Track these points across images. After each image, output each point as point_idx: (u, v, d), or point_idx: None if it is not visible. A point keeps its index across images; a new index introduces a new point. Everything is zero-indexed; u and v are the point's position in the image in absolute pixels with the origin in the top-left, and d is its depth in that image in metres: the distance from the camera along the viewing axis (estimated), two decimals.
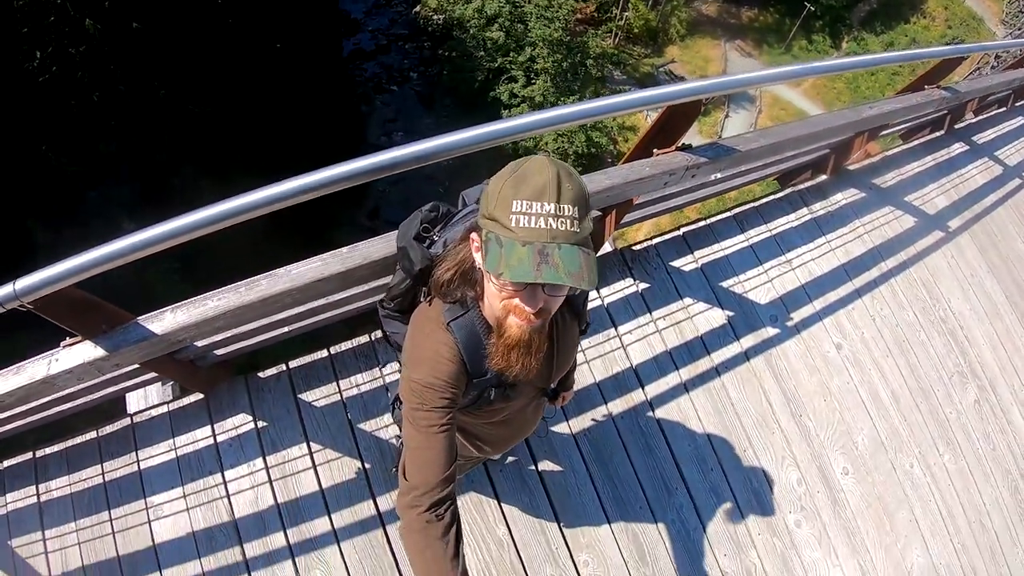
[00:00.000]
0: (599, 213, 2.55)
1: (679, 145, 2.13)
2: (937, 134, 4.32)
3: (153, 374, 2.29)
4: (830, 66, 2.29)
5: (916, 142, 4.22)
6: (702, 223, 3.29)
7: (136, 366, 2.00)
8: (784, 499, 2.65)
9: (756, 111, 26.40)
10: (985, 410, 3.21)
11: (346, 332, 2.75)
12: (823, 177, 3.65)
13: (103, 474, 2.39)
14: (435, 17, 27.58)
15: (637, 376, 2.79)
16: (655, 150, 2.10)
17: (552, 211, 0.96)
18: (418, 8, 28.12)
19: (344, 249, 1.71)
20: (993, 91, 4.33)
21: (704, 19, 30.39)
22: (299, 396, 2.53)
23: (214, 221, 1.39)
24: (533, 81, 25.22)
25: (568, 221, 0.97)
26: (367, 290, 2.07)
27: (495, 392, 1.30)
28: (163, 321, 1.77)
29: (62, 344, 1.78)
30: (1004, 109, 5.01)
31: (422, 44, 27.87)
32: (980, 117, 4.73)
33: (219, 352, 2.39)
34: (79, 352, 1.75)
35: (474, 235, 1.12)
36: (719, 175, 2.82)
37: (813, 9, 28.53)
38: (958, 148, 4.30)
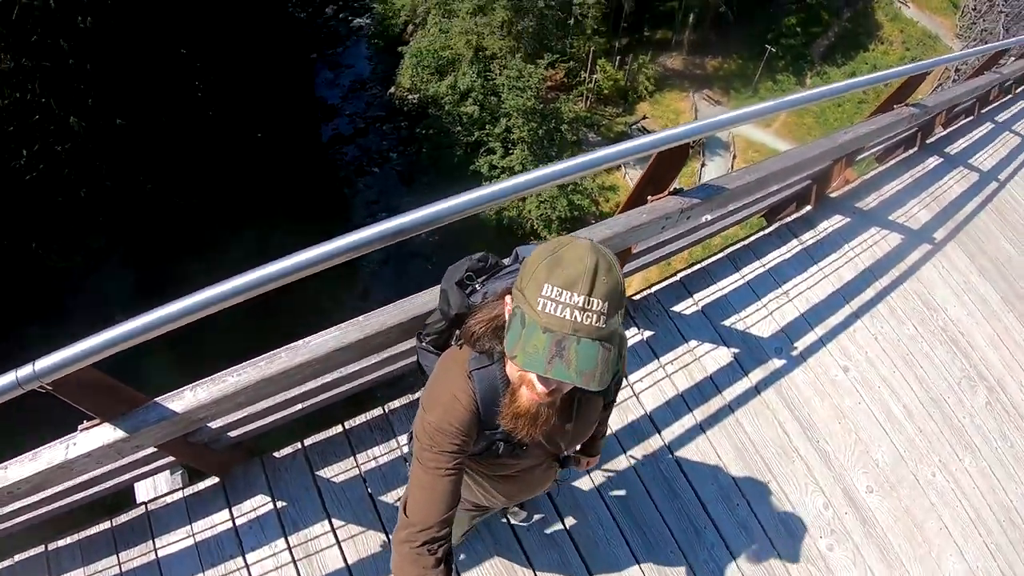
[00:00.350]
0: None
1: (671, 189, 2.27)
2: (911, 151, 4.57)
3: (163, 462, 2.33)
4: (803, 97, 2.41)
5: (892, 162, 4.46)
6: (697, 266, 3.45)
7: (149, 451, 2.04)
8: (813, 525, 2.70)
9: (731, 156, 27.34)
10: (998, 410, 3.32)
11: (358, 407, 2.81)
12: (808, 208, 3.85)
13: (119, 564, 2.39)
14: (410, 97, 28.57)
15: (653, 422, 2.87)
16: (649, 197, 2.25)
17: (580, 303, 0.97)
18: (393, 89, 29.18)
19: (361, 318, 1.80)
20: (959, 101, 4.59)
21: (671, 73, 31.75)
22: (317, 473, 2.58)
23: (223, 299, 1.46)
24: (511, 151, 25.98)
25: (595, 316, 0.98)
26: (383, 359, 2.15)
27: (504, 447, 1.33)
28: (183, 399, 1.80)
29: (80, 427, 1.79)
30: (971, 118, 5.33)
31: (399, 124, 28.80)
32: (950, 129, 5.03)
33: (233, 434, 2.44)
34: (98, 435, 1.77)
35: (508, 297, 1.15)
36: (709, 216, 2.97)
37: (774, 51, 29.94)
38: (933, 162, 4.55)
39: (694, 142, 2.20)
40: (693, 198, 2.24)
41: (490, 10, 27.06)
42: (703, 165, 26.59)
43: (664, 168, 2.18)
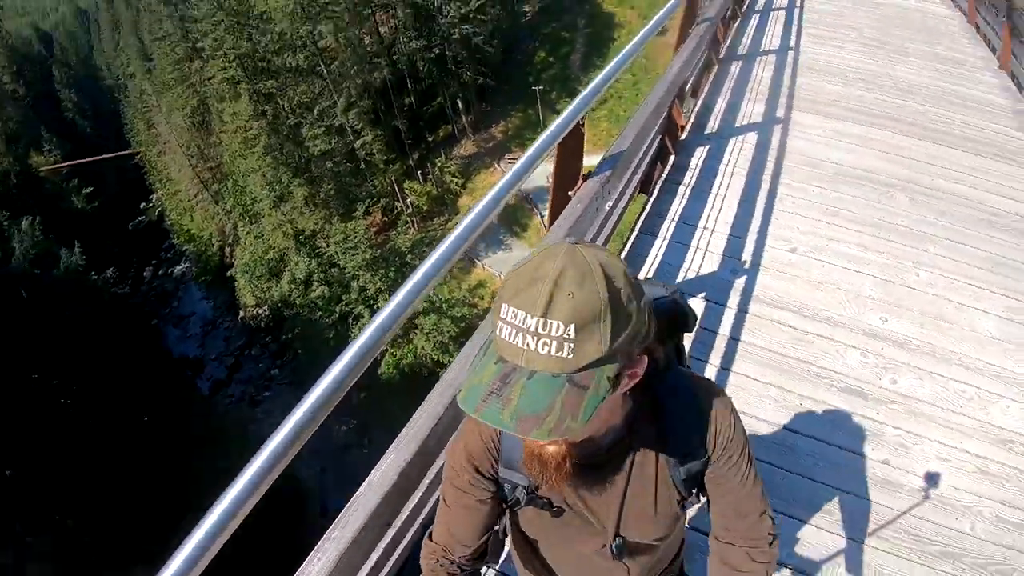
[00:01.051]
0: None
1: (583, 176, 2.57)
2: (714, 71, 5.28)
3: None
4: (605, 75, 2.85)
5: (706, 87, 5.11)
6: (623, 254, 3.74)
7: None
8: (868, 376, 2.94)
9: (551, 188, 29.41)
10: (921, 200, 3.90)
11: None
12: (672, 158, 4.32)
13: None
14: (259, 311, 28.67)
15: None
16: (570, 193, 2.52)
17: (533, 327, 0.76)
18: (241, 313, 29.15)
19: (404, 430, 1.80)
20: (725, 8, 5.48)
21: (469, 158, 34.13)
22: None
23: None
24: (376, 306, 26.45)
25: (553, 343, 0.76)
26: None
27: (526, 496, 1.17)
28: None
29: None
30: (740, 18, 6.32)
31: (265, 342, 28.74)
32: (730, 36, 5.92)
33: None
34: None
35: None
36: (610, 204, 3.29)
37: (542, 88, 33.04)
38: (735, 67, 5.34)
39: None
40: (604, 171, 2.56)
41: (288, 195, 28.10)
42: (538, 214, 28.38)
43: (568, 157, 2.47)
